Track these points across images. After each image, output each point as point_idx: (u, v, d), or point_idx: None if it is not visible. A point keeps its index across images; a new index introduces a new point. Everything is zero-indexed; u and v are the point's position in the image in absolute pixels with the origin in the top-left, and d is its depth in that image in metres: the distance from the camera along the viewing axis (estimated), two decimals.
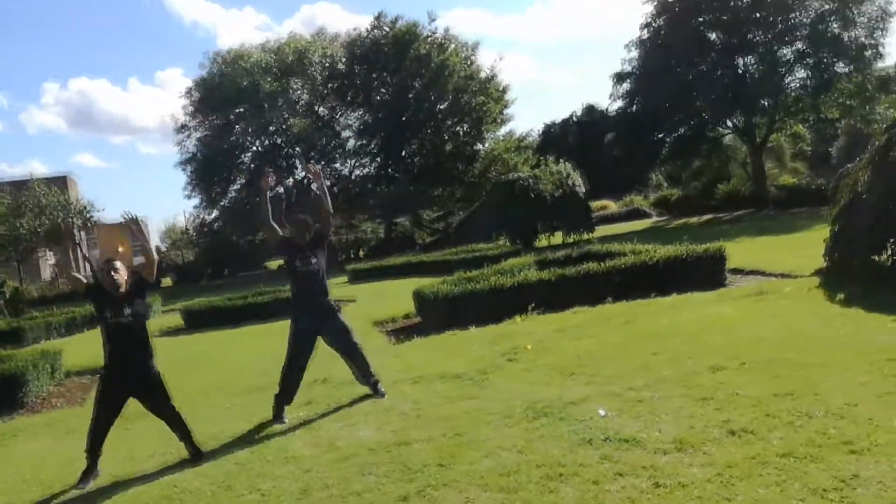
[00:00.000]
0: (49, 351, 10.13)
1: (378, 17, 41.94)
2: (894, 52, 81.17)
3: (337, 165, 44.95)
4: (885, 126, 10.62)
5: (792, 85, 34.16)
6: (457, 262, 19.65)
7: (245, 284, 25.18)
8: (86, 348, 11.61)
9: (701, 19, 33.67)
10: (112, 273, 5.40)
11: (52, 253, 41.97)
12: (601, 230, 30.12)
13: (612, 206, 47.00)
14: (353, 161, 44.71)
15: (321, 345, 6.52)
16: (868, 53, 30.74)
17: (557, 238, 28.00)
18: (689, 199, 38.95)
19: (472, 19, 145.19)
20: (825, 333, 6.57)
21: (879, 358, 5.40)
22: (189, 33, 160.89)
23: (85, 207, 40.38)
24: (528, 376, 6.54)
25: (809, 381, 5.11)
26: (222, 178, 42.77)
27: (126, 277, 5.50)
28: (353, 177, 44.56)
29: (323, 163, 43.77)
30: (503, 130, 44.28)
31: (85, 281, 5.75)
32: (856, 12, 30.67)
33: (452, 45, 41.98)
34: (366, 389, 6.59)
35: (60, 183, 46.39)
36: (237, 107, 40.99)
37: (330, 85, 42.63)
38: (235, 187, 43.90)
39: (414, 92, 41.00)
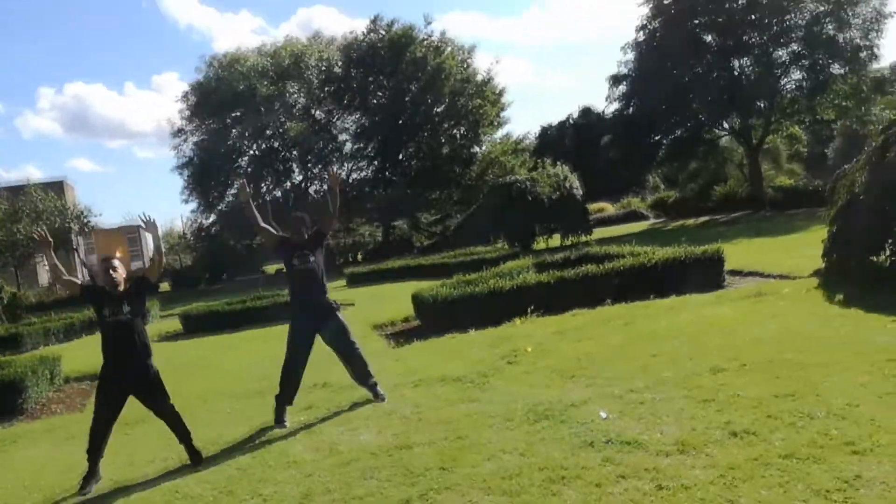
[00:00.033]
0: (48, 357, 10.11)
1: (374, 21, 42.01)
2: (889, 53, 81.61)
3: (334, 169, 44.91)
4: (881, 127, 10.64)
5: (787, 86, 34.22)
6: (455, 265, 19.69)
7: (243, 289, 25.14)
8: (84, 354, 11.59)
9: (696, 21, 33.74)
10: (110, 271, 5.40)
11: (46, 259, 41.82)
12: (599, 232, 30.13)
13: (610, 208, 47.04)
14: (350, 164, 44.71)
15: (321, 349, 6.52)
16: (863, 55, 30.80)
17: (555, 240, 28.02)
18: (686, 201, 39.01)
19: (468, 23, 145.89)
20: (824, 334, 6.58)
21: (880, 358, 5.41)
22: (185, 37, 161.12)
23: (82, 212, 40.28)
24: (528, 379, 6.54)
25: (810, 381, 5.11)
26: (219, 181, 42.69)
27: (125, 276, 5.51)
28: (350, 180, 44.51)
29: (320, 167, 43.80)
30: (500, 133, 44.40)
31: (79, 282, 5.75)
32: (850, 14, 30.75)
33: (449, 49, 42.01)
34: (366, 393, 6.56)
35: (57, 188, 46.36)
36: (234, 110, 40.95)
37: (326, 88, 42.64)
38: (233, 191, 43.82)
39: (410, 95, 41.03)
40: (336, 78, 42.11)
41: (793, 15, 32.17)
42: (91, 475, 5.29)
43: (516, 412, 5.39)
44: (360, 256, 41.72)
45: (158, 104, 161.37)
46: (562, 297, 10.17)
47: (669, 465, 4.01)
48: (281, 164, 43.48)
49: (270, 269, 40.00)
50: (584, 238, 27.10)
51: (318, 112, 44.42)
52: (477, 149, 43.27)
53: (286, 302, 8.52)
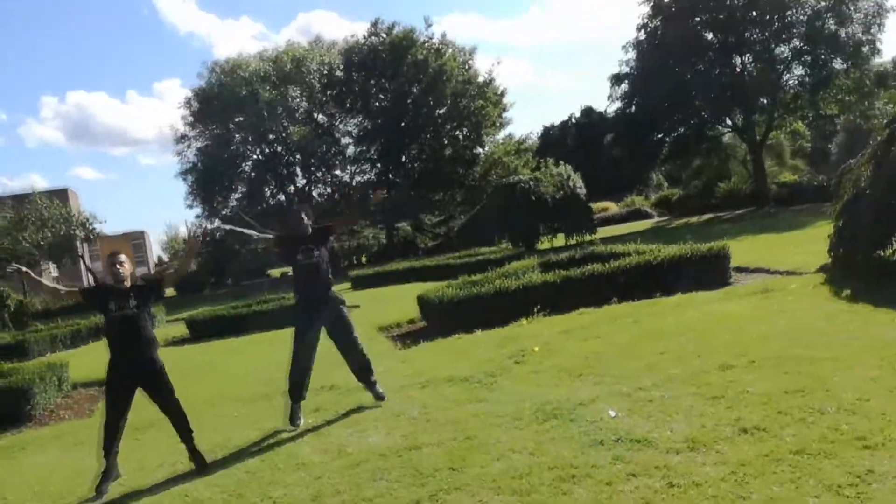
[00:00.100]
0: (55, 363, 10.13)
1: (375, 24, 42.09)
2: (891, 47, 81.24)
3: (337, 172, 45.09)
4: (885, 121, 10.62)
5: (790, 82, 34.22)
6: (460, 266, 19.68)
7: (248, 293, 25.18)
8: (92, 360, 11.61)
9: (697, 19, 33.74)
10: (117, 266, 5.42)
11: (55, 266, 42.04)
12: (603, 231, 30.12)
13: (613, 207, 47.04)
14: (353, 168, 44.84)
15: (326, 352, 6.51)
16: (865, 49, 30.78)
17: (559, 240, 28.01)
18: (690, 199, 39.01)
19: (467, 24, 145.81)
20: (833, 329, 6.55)
21: (889, 353, 5.38)
22: (185, 44, 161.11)
23: (87, 220, 40.41)
24: (536, 378, 6.52)
25: (819, 377, 5.09)
26: (223, 187, 42.85)
27: (131, 270, 5.52)
28: (353, 183, 44.61)
29: (323, 170, 43.89)
30: (502, 134, 44.42)
31: (78, 288, 5.77)
32: (852, 8, 30.74)
33: (449, 51, 42.04)
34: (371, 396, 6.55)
35: (61, 196, 46.46)
36: (236, 116, 41.06)
37: (328, 92, 42.72)
38: (236, 196, 43.98)
39: (412, 97, 41.07)
40: (338, 82, 42.19)
41: (794, 11, 32.15)
42: (107, 473, 5.32)
43: (525, 411, 5.38)
44: (364, 259, 41.76)
45: (160, 111, 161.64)
46: (568, 297, 10.15)
47: (680, 462, 3.99)
48: (284, 169, 43.59)
49: (275, 272, 40.05)
50: (588, 237, 27.09)
51: (320, 116, 44.52)
52: (479, 150, 43.30)
53: (292, 305, 8.57)
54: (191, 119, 42.90)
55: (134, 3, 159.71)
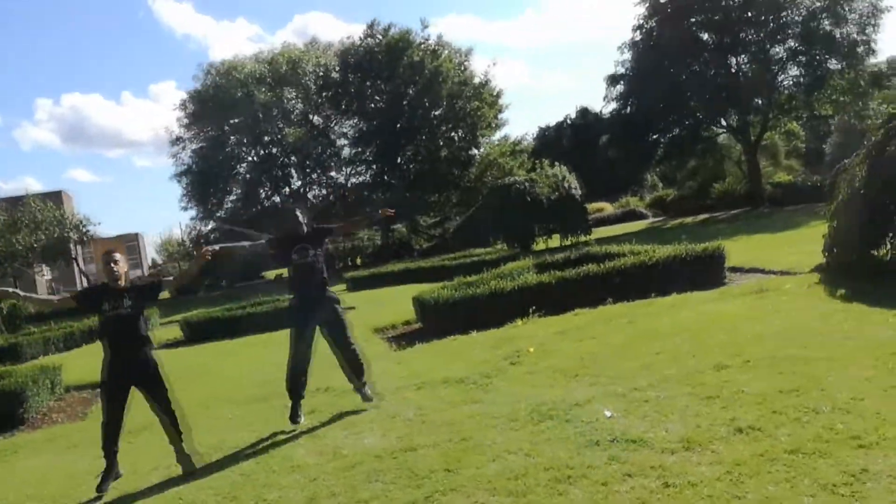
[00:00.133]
0: (48, 366, 10.10)
1: (371, 26, 42.02)
2: (886, 47, 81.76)
3: (333, 174, 45.05)
4: (881, 121, 10.64)
5: (785, 83, 34.31)
6: (455, 267, 19.68)
7: (243, 295, 25.11)
8: (85, 363, 11.56)
9: (693, 20, 33.82)
10: (111, 264, 5.42)
11: (48, 269, 41.92)
12: (598, 232, 30.14)
13: (609, 207, 47.12)
14: (348, 169, 44.80)
15: (323, 354, 6.49)
16: (860, 50, 30.88)
17: (555, 241, 28.01)
18: (685, 199, 39.09)
19: (463, 26, 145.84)
20: (827, 329, 6.56)
21: (883, 352, 5.38)
22: (181, 46, 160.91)
23: (81, 222, 40.32)
24: (531, 379, 6.52)
25: (814, 377, 5.09)
26: (218, 189, 42.76)
27: (126, 269, 5.52)
28: (349, 184, 44.58)
29: (319, 171, 43.83)
30: (498, 135, 44.43)
31: (70, 295, 5.77)
32: (847, 9, 30.84)
33: (445, 52, 42.03)
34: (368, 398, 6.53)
35: (55, 198, 46.38)
36: (232, 118, 40.99)
37: (324, 94, 42.70)
38: (232, 198, 43.89)
39: (408, 99, 41.06)
40: (334, 83, 42.15)
41: (789, 11, 32.26)
42: (108, 472, 5.32)
43: (520, 412, 5.37)
44: (359, 260, 41.70)
45: (156, 113, 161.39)
46: (563, 297, 10.15)
47: (675, 462, 3.98)
48: (280, 171, 43.51)
49: (270, 274, 39.98)
50: (583, 238, 27.14)
51: (316, 118, 44.49)
52: (475, 151, 43.31)
53: (287, 307, 8.58)
54: (186, 121, 42.83)
55: (130, 4, 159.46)
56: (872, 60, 32.57)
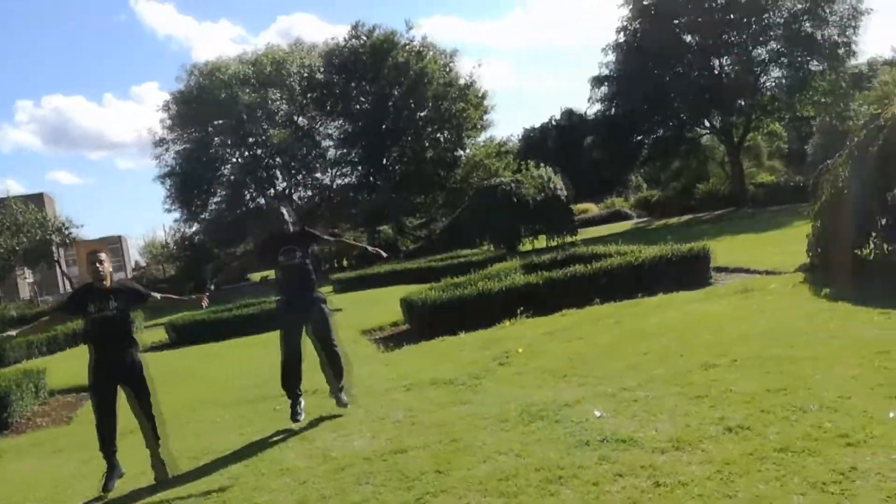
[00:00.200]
0: (32, 370, 9.99)
1: (355, 27, 41.94)
2: (867, 49, 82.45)
3: (318, 175, 44.90)
4: (862, 122, 10.76)
5: (768, 84, 34.67)
6: (442, 268, 19.67)
7: (229, 297, 24.93)
8: (69, 367, 11.44)
9: (676, 22, 34.06)
10: (97, 264, 5.38)
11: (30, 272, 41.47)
12: (584, 233, 30.24)
13: (594, 208, 47.27)
14: (334, 170, 44.66)
15: (310, 356, 6.46)
16: (841, 51, 31.26)
17: (541, 242, 28.07)
18: (670, 200, 39.32)
19: (448, 27, 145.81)
20: (813, 328, 6.61)
21: (869, 351, 5.43)
22: (163, 47, 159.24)
23: (63, 224, 39.92)
24: (520, 380, 6.52)
25: (801, 375, 5.12)
26: (202, 190, 42.52)
27: (111, 269, 5.48)
28: (334, 186, 44.46)
29: (304, 173, 43.66)
30: (483, 136, 44.50)
31: (59, 310, 5.74)
32: (828, 11, 31.21)
33: (430, 53, 42.05)
34: (357, 400, 6.48)
35: (37, 201, 45.93)
36: (216, 119, 40.79)
37: (309, 95, 42.56)
38: (216, 200, 43.65)
39: (393, 100, 41.02)
40: (318, 84, 42.03)
41: (771, 13, 32.58)
42: (111, 472, 5.29)
43: (510, 413, 5.37)
44: (345, 262, 41.56)
45: (138, 114, 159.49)
46: (551, 298, 10.18)
47: (665, 461, 3.99)
48: (264, 172, 43.33)
49: (256, 276, 39.75)
50: (569, 239, 27.22)
51: (301, 119, 44.33)
52: (461, 152, 43.35)
53: (275, 308, 8.57)
54: (169, 122, 42.59)
55: (112, 5, 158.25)
56: (853, 62, 33.01)
